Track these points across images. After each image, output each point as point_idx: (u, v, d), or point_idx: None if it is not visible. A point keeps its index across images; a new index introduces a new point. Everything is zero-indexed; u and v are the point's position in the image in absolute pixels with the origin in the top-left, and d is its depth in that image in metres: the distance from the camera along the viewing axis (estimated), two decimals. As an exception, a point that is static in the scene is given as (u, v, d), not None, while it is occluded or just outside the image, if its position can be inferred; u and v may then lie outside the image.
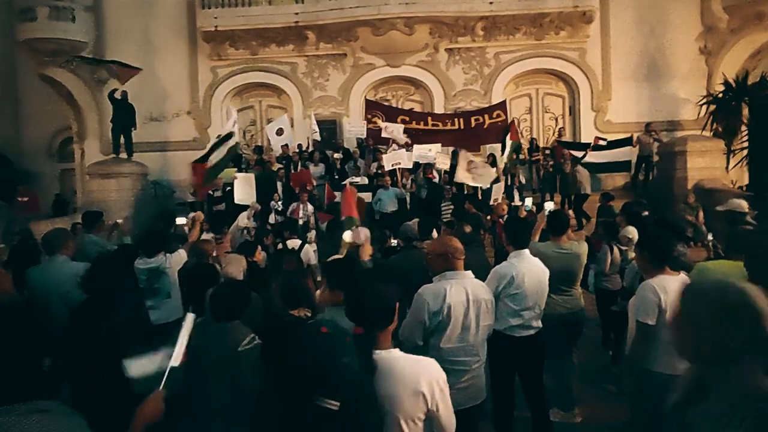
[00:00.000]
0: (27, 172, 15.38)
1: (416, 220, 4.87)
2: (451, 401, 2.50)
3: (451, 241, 2.82)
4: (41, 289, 2.98)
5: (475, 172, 9.80)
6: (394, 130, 11.45)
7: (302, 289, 2.82)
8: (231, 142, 9.10)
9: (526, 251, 3.51)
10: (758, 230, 2.80)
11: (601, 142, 11.63)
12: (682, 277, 3.00)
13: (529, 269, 3.39)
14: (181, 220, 6.43)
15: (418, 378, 1.73)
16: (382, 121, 11.82)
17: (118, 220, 6.60)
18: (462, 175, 9.79)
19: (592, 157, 12.21)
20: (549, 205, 6.11)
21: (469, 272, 2.74)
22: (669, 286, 2.88)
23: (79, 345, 2.39)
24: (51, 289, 3.02)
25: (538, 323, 3.47)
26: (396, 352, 1.80)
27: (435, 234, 4.75)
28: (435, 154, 10.30)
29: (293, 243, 6.10)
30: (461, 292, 2.62)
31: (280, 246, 6.11)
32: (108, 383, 2.14)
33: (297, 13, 13.30)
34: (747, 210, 4.79)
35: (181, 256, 4.33)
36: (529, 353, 3.43)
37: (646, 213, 6.24)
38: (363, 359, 1.39)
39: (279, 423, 1.28)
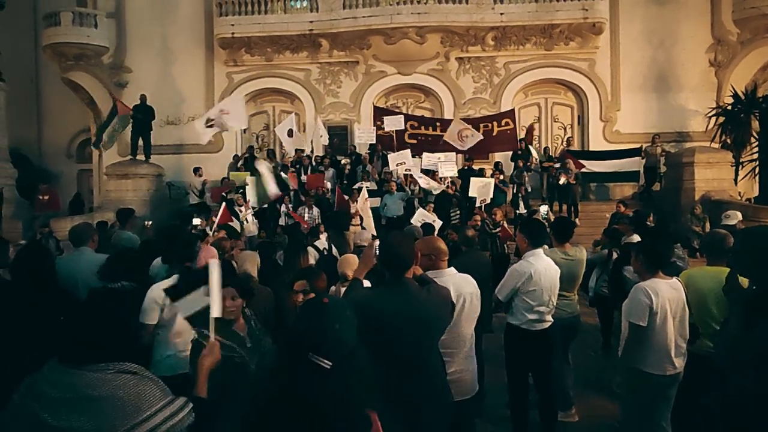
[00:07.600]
0: (47, 172, 15.84)
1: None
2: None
3: (435, 242, 2.99)
4: (69, 277, 3.22)
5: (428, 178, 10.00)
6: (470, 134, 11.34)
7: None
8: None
9: (540, 250, 3.64)
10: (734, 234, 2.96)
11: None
12: (673, 282, 3.13)
13: (544, 267, 3.55)
14: (197, 221, 6.72)
15: None
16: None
17: (146, 222, 6.82)
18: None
19: (601, 166, 12.34)
20: (543, 209, 6.27)
21: (452, 269, 2.89)
22: (660, 289, 3.02)
23: None
24: (77, 277, 3.28)
25: (550, 318, 3.64)
26: None
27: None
28: (444, 161, 10.37)
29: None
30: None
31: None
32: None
33: (312, 21, 13.63)
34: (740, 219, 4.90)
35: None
36: (543, 345, 3.60)
37: (651, 222, 6.39)
38: None
39: (279, 371, 1.51)
